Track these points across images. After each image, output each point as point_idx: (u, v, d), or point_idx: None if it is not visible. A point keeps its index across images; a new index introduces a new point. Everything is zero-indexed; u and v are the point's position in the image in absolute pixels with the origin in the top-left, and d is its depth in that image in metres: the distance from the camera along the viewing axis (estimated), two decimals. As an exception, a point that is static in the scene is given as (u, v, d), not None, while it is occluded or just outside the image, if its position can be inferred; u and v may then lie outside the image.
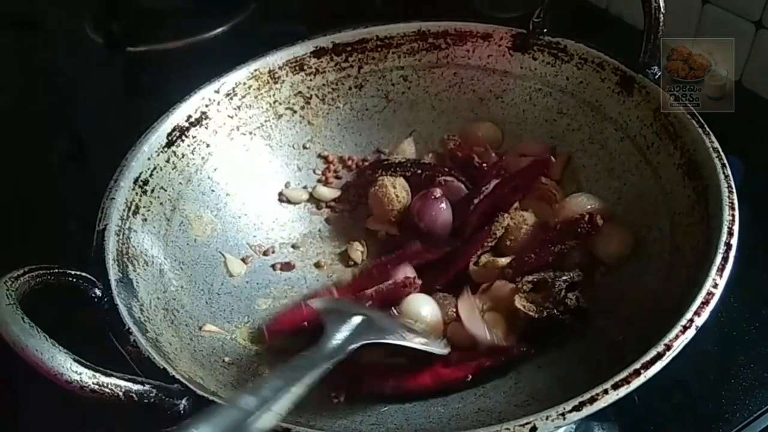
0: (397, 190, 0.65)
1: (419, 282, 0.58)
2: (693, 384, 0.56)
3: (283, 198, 0.69)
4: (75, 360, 0.36)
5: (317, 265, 0.65)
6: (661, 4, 0.57)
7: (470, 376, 0.51)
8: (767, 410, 0.54)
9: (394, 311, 0.56)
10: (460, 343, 0.55)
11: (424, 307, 0.57)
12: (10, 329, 0.35)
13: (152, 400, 0.38)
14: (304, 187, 0.70)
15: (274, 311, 0.59)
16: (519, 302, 0.52)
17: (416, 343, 0.50)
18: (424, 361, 0.51)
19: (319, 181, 0.71)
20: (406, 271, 0.59)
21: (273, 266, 0.64)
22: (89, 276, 0.46)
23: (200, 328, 0.53)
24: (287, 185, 0.70)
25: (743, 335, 0.59)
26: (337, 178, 0.72)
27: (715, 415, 0.54)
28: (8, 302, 0.37)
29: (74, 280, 0.45)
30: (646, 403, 0.55)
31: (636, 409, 0.55)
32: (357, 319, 0.49)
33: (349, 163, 0.72)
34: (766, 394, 0.54)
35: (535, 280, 0.54)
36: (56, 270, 0.43)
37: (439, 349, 0.52)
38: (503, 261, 0.58)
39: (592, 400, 0.37)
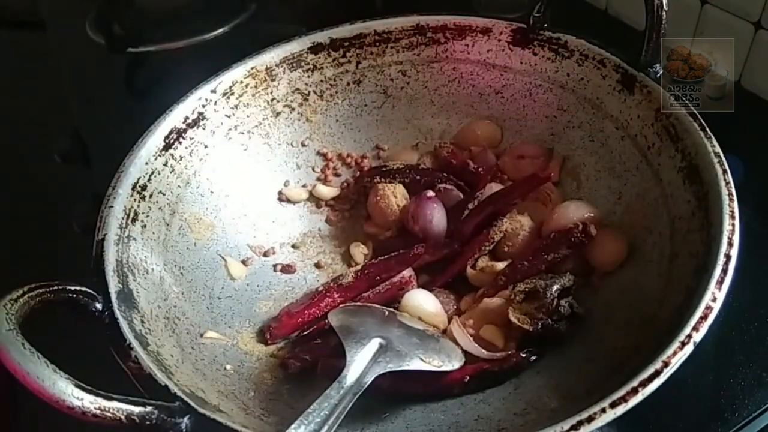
0: (398, 199, 0.65)
1: (414, 282, 0.59)
2: (692, 383, 0.57)
3: (282, 197, 0.69)
4: (76, 385, 0.36)
5: (317, 266, 0.65)
6: (664, 1, 0.56)
7: (468, 378, 0.51)
8: (766, 410, 0.54)
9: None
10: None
11: (425, 301, 0.58)
12: (11, 356, 0.35)
13: (154, 421, 0.38)
14: (304, 186, 0.70)
15: (276, 312, 0.60)
16: (513, 316, 0.53)
17: (435, 365, 0.50)
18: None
19: (318, 179, 0.71)
20: (404, 272, 0.59)
21: (274, 267, 0.64)
22: (89, 290, 0.46)
23: (201, 336, 0.54)
24: (286, 184, 0.69)
25: (742, 335, 0.59)
26: (336, 175, 0.72)
27: (714, 414, 0.54)
28: (8, 327, 0.37)
29: (74, 295, 0.45)
30: (645, 402, 0.55)
31: (635, 408, 0.55)
32: (375, 345, 0.50)
33: (348, 160, 0.72)
34: (765, 393, 0.55)
35: (526, 289, 0.54)
36: (56, 287, 0.43)
37: (457, 363, 0.52)
38: (500, 265, 0.58)
39: (590, 419, 0.38)
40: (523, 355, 0.52)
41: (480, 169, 0.66)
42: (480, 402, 0.50)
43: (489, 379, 0.51)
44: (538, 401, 0.48)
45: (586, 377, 0.48)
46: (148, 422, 0.38)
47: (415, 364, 0.50)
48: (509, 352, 0.52)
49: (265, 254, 0.65)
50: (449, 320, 0.57)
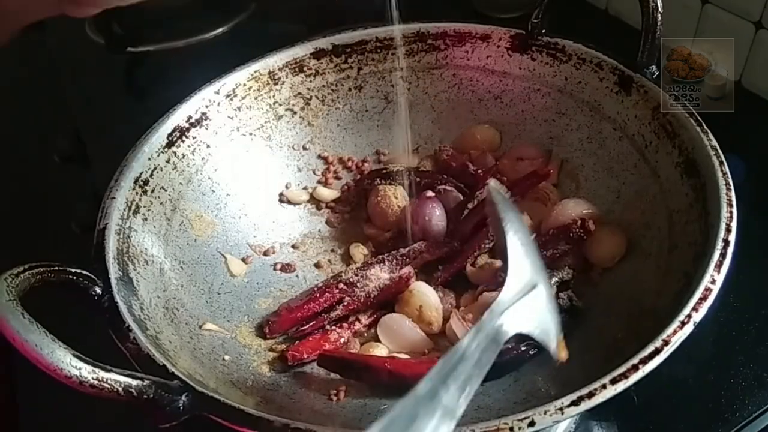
0: (398, 200, 0.65)
1: (414, 279, 0.59)
2: (692, 384, 0.57)
3: (283, 198, 0.69)
4: (75, 355, 0.36)
5: (317, 265, 0.65)
6: (659, 3, 0.57)
7: None
8: (766, 410, 0.54)
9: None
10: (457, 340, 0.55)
11: (429, 292, 0.58)
12: (10, 324, 0.35)
13: (151, 395, 0.38)
14: (304, 188, 0.71)
15: (275, 308, 0.60)
16: None
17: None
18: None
19: (319, 182, 0.71)
20: (404, 269, 0.59)
21: (273, 266, 0.64)
22: (89, 274, 0.46)
23: (200, 327, 0.54)
24: (287, 186, 0.70)
25: (743, 335, 0.59)
26: (337, 178, 0.72)
27: (715, 414, 0.54)
28: (8, 298, 0.37)
29: (74, 277, 0.45)
30: (645, 402, 0.55)
31: (635, 409, 0.55)
32: (538, 296, 0.39)
33: (349, 164, 0.73)
34: (766, 394, 0.55)
35: None
36: (57, 267, 0.43)
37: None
38: (500, 262, 0.58)
39: (591, 395, 0.37)
40: (523, 348, 0.51)
41: (479, 171, 0.66)
42: (480, 394, 0.50)
43: (489, 372, 0.51)
44: (538, 391, 0.48)
45: (587, 366, 0.47)
46: (145, 396, 0.37)
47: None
48: (509, 345, 0.52)
49: (265, 253, 0.65)
50: (446, 320, 0.57)
